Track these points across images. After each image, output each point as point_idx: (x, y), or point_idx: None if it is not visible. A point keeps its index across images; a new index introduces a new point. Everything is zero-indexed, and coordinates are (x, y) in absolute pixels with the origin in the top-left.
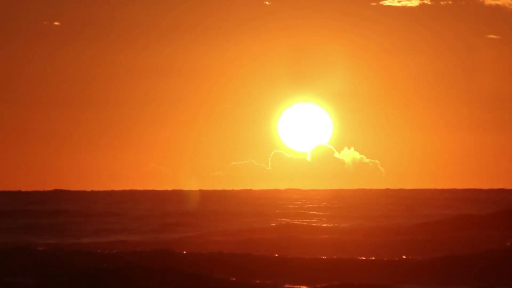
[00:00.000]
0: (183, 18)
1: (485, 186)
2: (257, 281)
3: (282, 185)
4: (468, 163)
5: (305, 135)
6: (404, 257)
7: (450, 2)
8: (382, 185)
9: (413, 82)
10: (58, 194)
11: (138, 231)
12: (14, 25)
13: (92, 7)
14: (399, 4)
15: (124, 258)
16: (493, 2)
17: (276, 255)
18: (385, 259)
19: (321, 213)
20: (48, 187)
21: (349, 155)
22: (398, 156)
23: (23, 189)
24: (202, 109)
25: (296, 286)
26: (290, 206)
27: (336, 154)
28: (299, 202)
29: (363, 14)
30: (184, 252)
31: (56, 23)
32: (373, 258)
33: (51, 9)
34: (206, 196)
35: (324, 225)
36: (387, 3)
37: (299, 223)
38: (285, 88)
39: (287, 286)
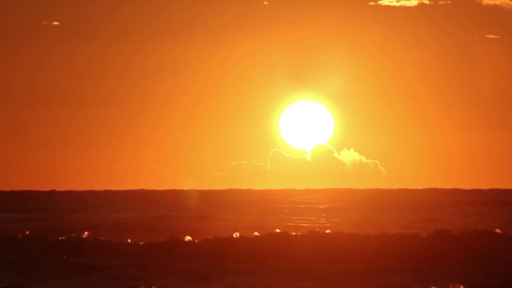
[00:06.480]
0: (184, 17)
1: (485, 186)
2: None
3: (282, 185)
4: (468, 163)
5: (306, 134)
6: None
7: (448, 2)
8: (382, 185)
9: (412, 82)
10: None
11: None
12: (13, 25)
13: (91, 7)
14: (397, 4)
15: None
16: (491, 2)
17: None
18: None
19: None
20: (46, 187)
21: (348, 156)
22: (399, 156)
23: (20, 189)
24: (202, 108)
25: None
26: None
27: (336, 155)
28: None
29: (362, 14)
30: None
31: (55, 23)
32: None
33: (50, 9)
34: (205, 196)
35: None
36: (385, 2)
37: None
38: (285, 87)
39: None
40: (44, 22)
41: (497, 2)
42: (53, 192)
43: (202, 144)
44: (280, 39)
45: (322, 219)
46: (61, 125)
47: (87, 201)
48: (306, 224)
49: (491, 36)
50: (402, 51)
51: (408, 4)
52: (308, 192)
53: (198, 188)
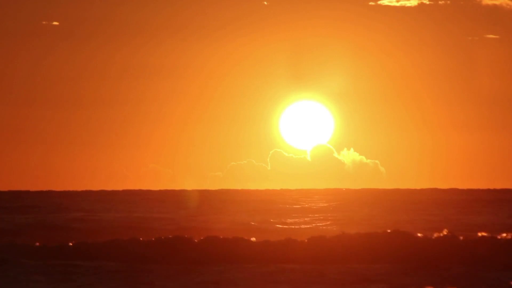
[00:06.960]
0: (183, 17)
1: (485, 186)
2: None
3: (282, 185)
4: (468, 162)
5: (306, 134)
6: None
7: (448, 2)
8: (382, 185)
9: (412, 82)
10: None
11: None
12: (13, 24)
13: (91, 7)
14: (397, 4)
15: None
16: (490, 2)
17: None
18: None
19: None
20: (44, 187)
21: (348, 156)
22: (399, 156)
23: (18, 189)
24: (202, 108)
25: None
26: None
27: (336, 155)
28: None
29: (362, 14)
30: None
31: (55, 23)
32: None
33: (50, 9)
34: (204, 196)
35: None
36: (385, 2)
37: None
38: (285, 87)
39: None
40: (44, 22)
41: (497, 2)
42: (51, 192)
43: (202, 144)
44: (280, 39)
45: (306, 219)
46: (60, 125)
47: (86, 201)
48: (281, 226)
49: (491, 36)
50: (402, 51)
51: (408, 4)
52: (308, 192)
53: (198, 188)
